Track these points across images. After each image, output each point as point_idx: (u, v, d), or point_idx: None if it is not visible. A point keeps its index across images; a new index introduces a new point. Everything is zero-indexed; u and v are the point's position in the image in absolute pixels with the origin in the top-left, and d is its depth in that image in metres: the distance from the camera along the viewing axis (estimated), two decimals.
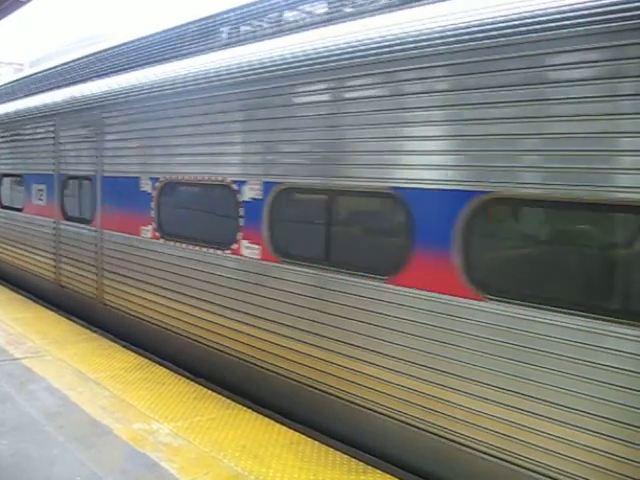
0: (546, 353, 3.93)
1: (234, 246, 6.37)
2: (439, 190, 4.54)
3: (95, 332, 8.23)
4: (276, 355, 5.89)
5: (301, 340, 5.62)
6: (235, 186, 6.35)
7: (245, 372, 6.30)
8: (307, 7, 6.28)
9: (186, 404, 5.83)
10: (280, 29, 6.45)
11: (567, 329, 3.83)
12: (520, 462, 4.09)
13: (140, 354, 7.34)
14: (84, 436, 5.11)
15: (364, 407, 5.06)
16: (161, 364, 7.00)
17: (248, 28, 6.94)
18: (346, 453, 4.95)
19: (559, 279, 4.06)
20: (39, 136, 10.41)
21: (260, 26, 6.78)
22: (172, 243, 7.29)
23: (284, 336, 5.79)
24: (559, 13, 3.90)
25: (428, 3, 4.98)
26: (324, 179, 5.44)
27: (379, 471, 4.69)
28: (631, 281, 3.78)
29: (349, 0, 5.84)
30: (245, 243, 6.25)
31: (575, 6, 3.85)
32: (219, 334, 6.60)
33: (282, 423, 5.49)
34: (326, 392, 5.39)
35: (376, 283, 4.95)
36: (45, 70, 11.40)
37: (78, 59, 10.31)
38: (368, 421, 5.04)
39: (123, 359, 7.14)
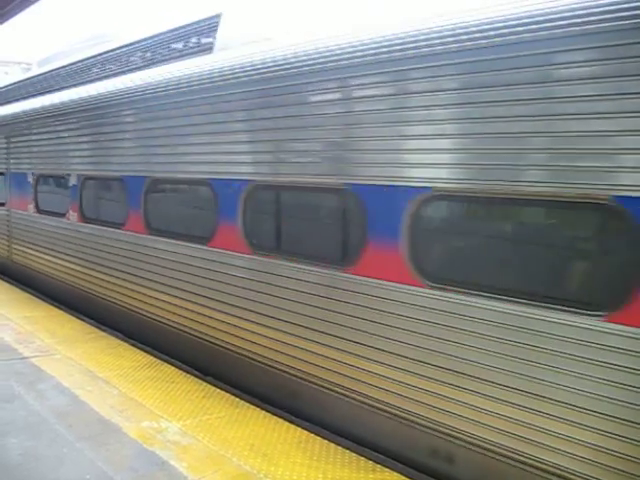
0: (481, 335, 4.31)
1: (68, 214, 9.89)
2: (385, 186, 4.93)
3: (104, 331, 8.25)
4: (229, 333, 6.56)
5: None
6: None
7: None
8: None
9: (195, 402, 5.84)
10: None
11: (498, 313, 4.21)
12: (447, 431, 4.55)
13: (149, 353, 7.36)
14: (93, 435, 5.12)
15: (327, 388, 5.47)
16: (170, 363, 7.00)
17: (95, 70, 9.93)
18: (355, 451, 4.95)
19: (490, 268, 4.43)
20: None
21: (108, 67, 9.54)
22: (44, 215, 10.83)
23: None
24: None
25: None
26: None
27: (387, 470, 4.67)
28: (552, 269, 4.11)
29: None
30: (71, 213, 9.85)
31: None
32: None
33: (291, 422, 5.49)
34: (293, 374, 5.81)
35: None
36: None
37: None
38: (324, 398, 5.50)
39: (132, 358, 7.16)
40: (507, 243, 4.43)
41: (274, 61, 5.91)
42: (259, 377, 6.18)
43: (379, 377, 4.97)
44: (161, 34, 8.34)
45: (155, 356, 7.22)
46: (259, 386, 6.17)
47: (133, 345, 7.65)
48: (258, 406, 5.81)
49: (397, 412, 4.86)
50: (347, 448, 5.00)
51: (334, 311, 5.31)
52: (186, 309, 7.12)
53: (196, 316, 6.98)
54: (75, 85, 10.19)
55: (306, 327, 5.59)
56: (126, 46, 9.19)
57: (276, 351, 5.93)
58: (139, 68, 8.50)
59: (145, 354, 7.32)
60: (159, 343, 7.59)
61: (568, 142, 3.86)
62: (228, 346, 6.55)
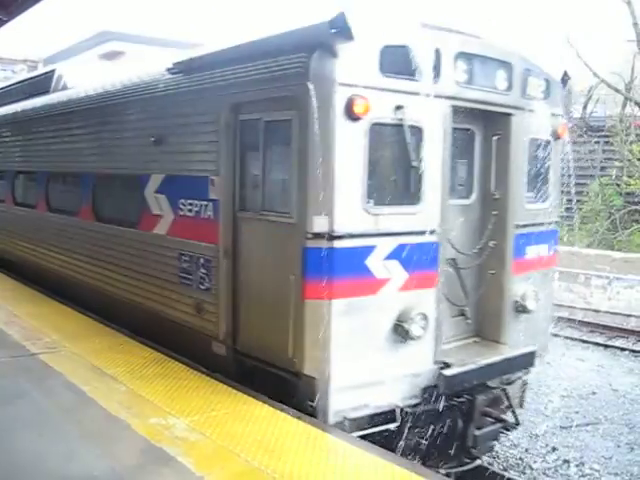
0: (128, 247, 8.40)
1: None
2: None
3: (112, 327, 8.24)
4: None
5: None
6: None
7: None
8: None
9: (202, 399, 5.81)
10: None
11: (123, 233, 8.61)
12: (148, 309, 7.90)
13: (156, 349, 7.34)
14: (101, 431, 5.12)
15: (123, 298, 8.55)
16: (177, 359, 6.98)
17: None
18: (361, 447, 4.91)
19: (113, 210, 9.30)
20: None
21: None
22: None
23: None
24: None
25: None
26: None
27: (397, 465, 4.64)
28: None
29: None
30: None
31: None
32: None
33: (299, 418, 5.45)
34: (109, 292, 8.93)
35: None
36: None
37: None
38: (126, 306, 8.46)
39: (139, 354, 7.14)
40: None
41: (72, 100, 10.17)
42: (107, 298, 8.96)
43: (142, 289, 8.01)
44: (26, 79, 13.73)
45: (161, 352, 7.21)
46: (100, 303, 9.12)
47: (140, 342, 7.64)
48: (265, 402, 5.78)
49: (146, 304, 7.92)
50: (355, 444, 4.97)
51: (133, 251, 8.21)
52: (65, 261, 10.31)
53: (75, 267, 9.94)
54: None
55: (121, 265, 8.55)
56: (7, 87, 14.44)
57: (113, 286, 8.78)
58: (17, 100, 12.80)
59: (152, 350, 7.30)
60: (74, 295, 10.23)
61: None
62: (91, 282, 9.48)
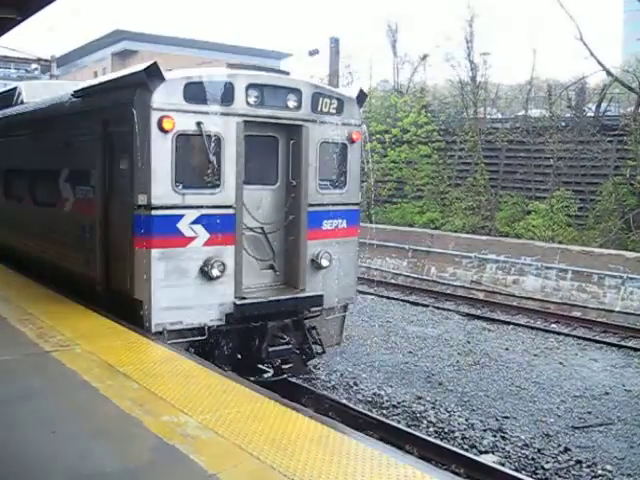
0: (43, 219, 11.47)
1: None
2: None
3: (124, 326, 8.27)
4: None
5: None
6: None
7: None
8: None
9: (214, 397, 5.82)
10: None
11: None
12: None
13: (168, 348, 7.36)
14: (113, 429, 5.14)
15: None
16: (189, 357, 7.00)
17: None
18: (375, 447, 4.90)
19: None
20: None
21: None
22: None
23: None
24: None
25: None
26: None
27: (409, 465, 4.62)
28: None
29: None
30: None
31: None
32: None
33: (311, 417, 5.45)
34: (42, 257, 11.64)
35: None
36: None
37: None
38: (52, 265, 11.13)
39: (151, 352, 7.18)
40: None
41: (20, 113, 12.81)
42: (39, 262, 11.66)
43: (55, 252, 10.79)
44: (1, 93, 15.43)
45: (174, 351, 7.23)
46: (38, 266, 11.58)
47: (153, 340, 7.67)
48: (278, 401, 5.79)
49: (62, 263, 10.59)
50: (369, 444, 4.96)
51: (55, 226, 10.90)
52: (20, 237, 13.00)
53: (26, 241, 12.50)
54: None
55: (49, 237, 11.13)
56: None
57: (42, 251, 11.47)
58: None
59: (164, 349, 7.33)
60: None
61: None
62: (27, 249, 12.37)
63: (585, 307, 17.18)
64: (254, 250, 9.14)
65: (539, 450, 8.75)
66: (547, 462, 8.43)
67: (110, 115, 8.97)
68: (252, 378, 8.11)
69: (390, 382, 11.31)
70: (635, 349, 13.98)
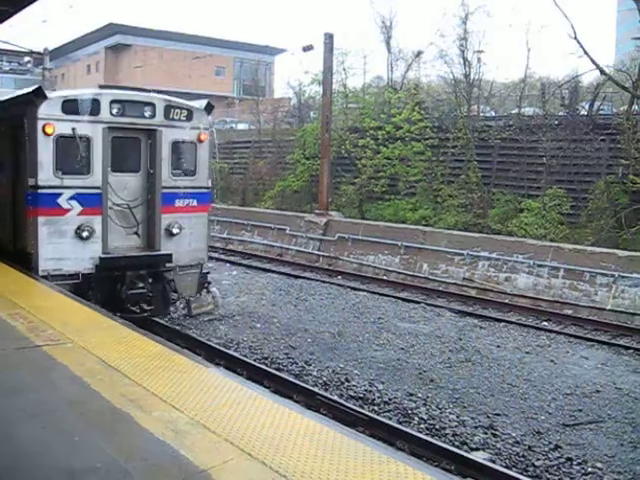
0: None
1: None
2: None
3: (117, 321, 8.25)
4: None
5: None
6: None
7: None
8: None
9: (206, 393, 5.81)
10: None
11: None
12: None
13: (161, 343, 7.34)
14: (104, 424, 5.11)
15: None
16: (182, 353, 6.98)
17: None
18: (368, 444, 4.90)
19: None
20: None
21: None
22: None
23: None
24: None
25: None
26: None
27: (401, 462, 4.63)
28: None
29: None
30: None
31: None
32: None
33: (302, 413, 5.45)
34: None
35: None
36: None
37: None
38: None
39: (143, 347, 7.14)
40: None
41: None
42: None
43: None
44: None
45: (167, 346, 7.21)
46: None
47: (144, 335, 7.64)
48: (270, 397, 5.78)
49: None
50: (360, 440, 4.95)
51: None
52: None
53: None
54: None
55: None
56: None
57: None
58: None
59: (156, 344, 7.31)
60: None
61: None
62: None
63: (577, 305, 17.24)
64: (122, 220, 12.32)
65: (530, 447, 8.78)
66: (538, 459, 8.46)
67: (15, 122, 12.26)
68: (119, 314, 9.95)
69: (382, 379, 11.32)
70: (626, 347, 14.04)
